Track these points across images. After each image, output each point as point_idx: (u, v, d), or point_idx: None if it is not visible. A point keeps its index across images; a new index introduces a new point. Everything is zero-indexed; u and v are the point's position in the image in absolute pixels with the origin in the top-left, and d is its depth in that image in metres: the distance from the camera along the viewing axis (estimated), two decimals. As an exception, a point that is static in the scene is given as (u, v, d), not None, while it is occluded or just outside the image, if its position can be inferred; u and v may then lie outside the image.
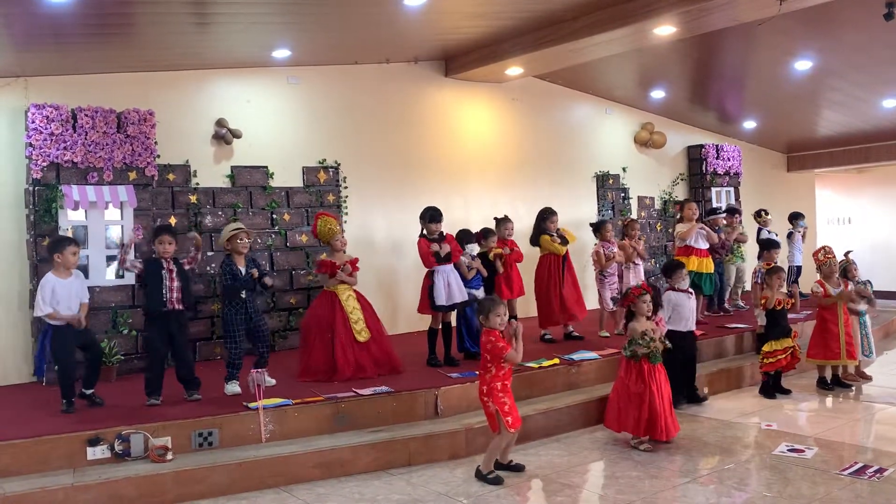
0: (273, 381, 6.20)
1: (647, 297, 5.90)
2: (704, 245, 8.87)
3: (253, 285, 6.15)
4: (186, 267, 6.06)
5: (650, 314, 5.94)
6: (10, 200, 7.01)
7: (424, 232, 7.04)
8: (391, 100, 9.22)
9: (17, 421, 5.45)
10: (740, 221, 10.49)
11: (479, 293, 7.16)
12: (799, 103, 11.23)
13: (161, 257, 5.92)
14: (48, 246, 5.91)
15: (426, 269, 7.04)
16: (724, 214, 9.96)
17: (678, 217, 9.37)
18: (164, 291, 5.82)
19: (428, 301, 6.95)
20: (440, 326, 7.04)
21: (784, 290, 7.34)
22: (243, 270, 6.12)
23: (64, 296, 5.67)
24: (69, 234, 6.73)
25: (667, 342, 5.92)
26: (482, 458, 5.28)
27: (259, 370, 5.90)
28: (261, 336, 6.19)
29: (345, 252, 6.90)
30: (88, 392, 5.85)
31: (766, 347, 7.18)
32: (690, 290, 6.94)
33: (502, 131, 10.22)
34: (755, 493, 4.86)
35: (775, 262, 8.24)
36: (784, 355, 7.11)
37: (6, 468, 4.87)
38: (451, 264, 7.00)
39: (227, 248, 6.17)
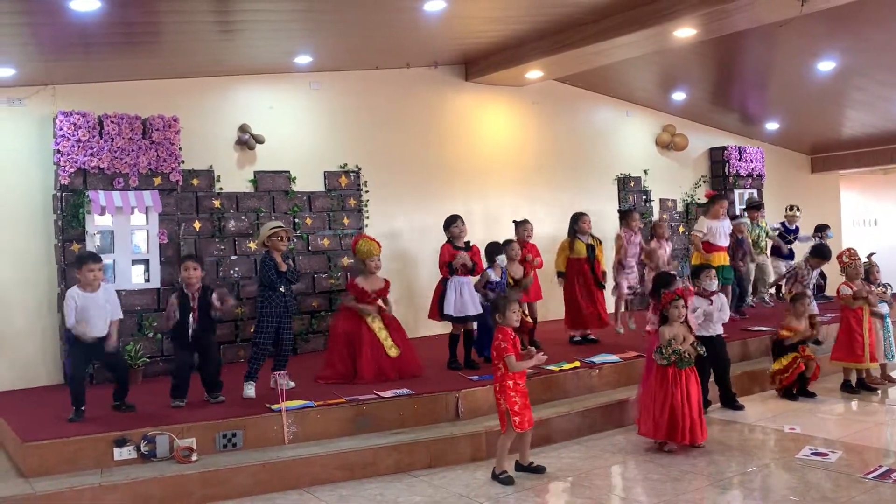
0: (293, 384, 6.25)
1: (681, 302, 5.85)
2: (727, 242, 8.83)
3: (295, 278, 6.25)
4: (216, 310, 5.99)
5: (683, 319, 5.89)
6: (38, 206, 7.16)
7: (450, 238, 7.10)
8: (411, 104, 9.27)
9: (47, 422, 5.56)
10: (763, 216, 10.36)
11: None
12: (823, 104, 11.12)
13: (187, 284, 5.88)
14: (75, 259, 5.86)
15: (439, 276, 7.11)
16: (746, 221, 9.87)
17: (704, 209, 9.29)
18: (186, 325, 5.84)
19: (437, 308, 7.00)
20: (460, 332, 7.06)
21: (807, 317, 7.31)
22: (284, 268, 6.18)
23: (91, 310, 5.55)
24: (93, 249, 6.79)
25: (700, 349, 5.86)
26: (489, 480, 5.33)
27: (281, 372, 5.96)
28: (286, 338, 6.27)
29: (377, 274, 6.86)
30: (117, 403, 5.83)
31: (775, 366, 7.19)
32: (716, 293, 6.84)
33: (523, 135, 10.23)
34: (779, 496, 4.83)
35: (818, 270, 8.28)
36: (794, 367, 7.07)
37: (36, 468, 4.98)
38: (469, 277, 7.01)
39: (267, 245, 6.22)
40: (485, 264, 7.16)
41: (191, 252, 6.85)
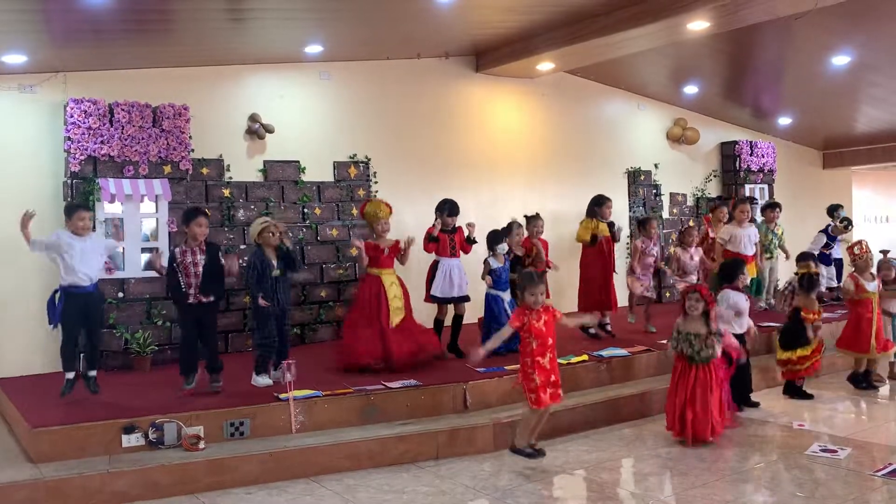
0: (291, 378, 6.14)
1: (696, 296, 5.78)
2: (752, 251, 8.66)
3: (293, 265, 6.26)
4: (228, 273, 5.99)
5: (696, 312, 5.79)
6: (48, 193, 7.15)
7: (438, 222, 7.10)
8: (422, 95, 9.24)
9: (55, 408, 5.58)
10: (777, 219, 10.25)
11: (506, 295, 7.17)
12: (836, 99, 11.02)
13: (192, 239, 5.85)
14: (64, 210, 5.88)
15: (433, 259, 7.13)
16: (751, 201, 9.80)
17: (726, 218, 9.19)
18: (181, 285, 5.81)
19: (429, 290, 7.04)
20: (444, 317, 7.09)
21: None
22: (274, 263, 6.16)
23: (82, 253, 5.55)
24: (102, 236, 6.78)
25: (715, 347, 5.76)
26: (509, 451, 5.41)
27: (289, 361, 5.96)
28: (284, 330, 6.25)
29: (386, 237, 6.90)
30: (91, 374, 5.72)
31: (789, 354, 7.03)
32: (749, 290, 6.75)
33: (533, 127, 10.19)
34: (787, 492, 4.81)
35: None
36: (807, 364, 6.99)
37: (45, 454, 5.01)
38: (458, 259, 7.08)
39: (258, 241, 6.23)
40: (495, 255, 7.21)
41: (198, 206, 6.81)
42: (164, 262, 6.03)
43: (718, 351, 5.77)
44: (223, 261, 6.02)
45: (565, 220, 9.69)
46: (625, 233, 10.25)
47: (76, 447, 5.06)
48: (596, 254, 7.89)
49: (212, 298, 5.91)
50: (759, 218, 10.04)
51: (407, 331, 6.70)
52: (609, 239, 7.91)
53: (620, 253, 9.88)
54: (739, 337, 6.46)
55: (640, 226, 8.49)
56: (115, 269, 7.06)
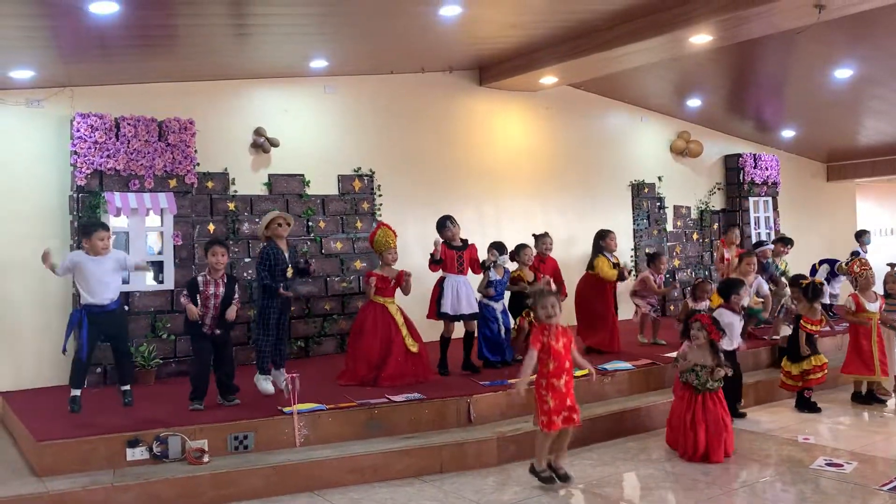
0: (283, 380, 6.10)
1: (697, 325, 5.78)
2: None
3: (298, 270, 6.28)
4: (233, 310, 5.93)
5: (700, 342, 5.75)
6: (55, 207, 7.21)
7: (440, 246, 7.04)
8: (426, 109, 9.28)
9: (60, 421, 5.59)
10: (786, 253, 10.16)
11: (498, 305, 7.20)
12: (839, 112, 11.04)
13: (212, 270, 5.87)
14: (79, 229, 5.83)
15: (438, 275, 7.11)
16: (771, 246, 9.76)
17: (738, 240, 9.24)
18: (202, 317, 5.82)
19: (435, 307, 7.00)
20: (451, 335, 7.06)
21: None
22: (287, 256, 6.18)
23: (97, 275, 5.56)
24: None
25: (724, 369, 5.73)
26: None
27: (293, 375, 5.98)
28: (283, 329, 6.27)
29: (393, 266, 6.90)
30: (124, 388, 5.82)
31: (805, 365, 6.97)
32: (743, 308, 6.69)
33: (536, 140, 10.22)
34: (791, 507, 4.80)
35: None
36: (819, 374, 6.96)
37: (49, 467, 5.01)
38: (464, 276, 7.04)
39: (268, 235, 6.23)
40: (496, 264, 7.19)
41: (217, 237, 6.85)
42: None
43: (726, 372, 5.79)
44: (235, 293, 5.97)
45: (568, 233, 9.70)
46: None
47: (81, 461, 5.06)
48: (597, 292, 7.85)
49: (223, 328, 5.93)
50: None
51: (411, 359, 6.70)
52: (609, 281, 7.83)
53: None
54: (731, 353, 6.43)
55: (650, 260, 8.53)
56: (149, 269, 6.93)
